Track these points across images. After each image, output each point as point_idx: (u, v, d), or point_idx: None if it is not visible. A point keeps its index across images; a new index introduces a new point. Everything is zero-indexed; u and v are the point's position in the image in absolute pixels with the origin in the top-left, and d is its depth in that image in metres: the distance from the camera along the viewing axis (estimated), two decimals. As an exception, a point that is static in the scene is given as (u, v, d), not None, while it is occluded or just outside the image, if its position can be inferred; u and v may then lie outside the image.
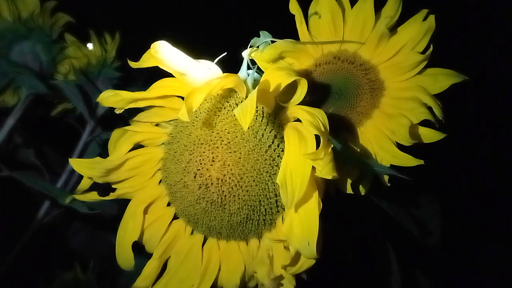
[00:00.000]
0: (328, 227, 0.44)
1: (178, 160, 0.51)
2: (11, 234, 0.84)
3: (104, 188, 0.56)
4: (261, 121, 0.48)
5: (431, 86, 0.58)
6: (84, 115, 0.84)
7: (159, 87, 0.49)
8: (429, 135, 0.58)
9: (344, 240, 0.76)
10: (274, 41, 0.55)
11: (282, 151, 0.47)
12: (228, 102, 0.49)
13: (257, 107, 0.47)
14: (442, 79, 0.58)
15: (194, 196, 0.50)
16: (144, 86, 0.50)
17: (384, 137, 0.60)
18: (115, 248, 0.54)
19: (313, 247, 0.41)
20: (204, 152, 0.48)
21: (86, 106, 0.82)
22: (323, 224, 0.42)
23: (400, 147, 0.58)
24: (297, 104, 0.46)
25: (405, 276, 0.80)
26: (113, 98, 0.50)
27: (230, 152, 0.47)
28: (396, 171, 0.54)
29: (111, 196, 0.55)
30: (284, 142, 0.45)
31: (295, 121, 0.47)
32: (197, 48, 0.51)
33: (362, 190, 0.60)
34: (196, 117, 0.50)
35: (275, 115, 0.48)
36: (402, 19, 0.58)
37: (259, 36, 0.55)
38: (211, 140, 0.48)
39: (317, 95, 0.62)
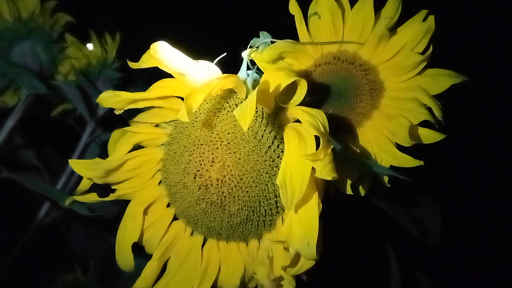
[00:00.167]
0: (328, 227, 0.44)
1: (177, 161, 0.51)
2: (11, 235, 0.84)
3: (104, 189, 0.56)
4: (261, 121, 0.48)
5: (431, 86, 0.58)
6: (84, 115, 0.84)
7: (158, 88, 0.49)
8: (428, 136, 0.58)
9: (344, 240, 0.76)
10: (274, 42, 0.55)
11: (282, 152, 0.47)
12: (227, 103, 0.49)
13: (256, 108, 0.47)
14: (442, 80, 0.58)
15: (193, 197, 0.50)
16: (144, 86, 0.50)
17: (383, 138, 0.60)
18: (115, 249, 0.54)
19: (313, 248, 0.41)
20: (203, 153, 0.48)
21: (86, 106, 0.82)
22: (323, 224, 0.42)
23: (400, 147, 0.58)
24: (297, 105, 0.46)
25: (405, 276, 0.80)
26: (113, 99, 0.50)
27: (230, 153, 0.47)
28: (396, 171, 0.54)
29: (111, 197, 0.55)
30: (283, 143, 0.45)
31: (294, 121, 0.47)
32: (196, 48, 0.51)
33: (361, 191, 0.60)
34: (196, 118, 0.50)
35: (275, 116, 0.48)
36: (401, 20, 0.58)
37: (258, 37, 0.55)
38: (211, 141, 0.48)
39: (317, 95, 0.62)
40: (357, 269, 0.84)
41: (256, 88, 0.41)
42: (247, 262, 0.53)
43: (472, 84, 0.57)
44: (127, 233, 0.54)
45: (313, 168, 0.42)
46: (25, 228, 0.85)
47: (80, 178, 0.55)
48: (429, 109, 0.57)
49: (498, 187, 1.23)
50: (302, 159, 0.42)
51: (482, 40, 1.25)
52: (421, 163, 0.56)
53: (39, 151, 0.91)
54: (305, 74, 0.62)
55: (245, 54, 0.53)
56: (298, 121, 0.46)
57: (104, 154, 0.55)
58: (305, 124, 0.43)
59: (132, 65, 0.47)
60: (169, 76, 0.47)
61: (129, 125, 0.56)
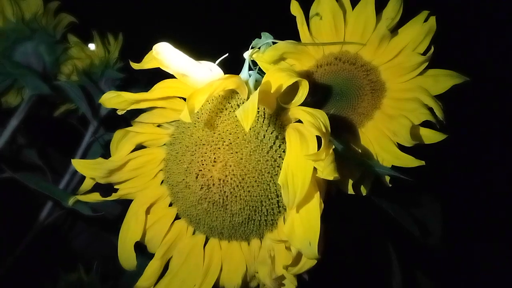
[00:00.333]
0: (329, 227, 0.44)
1: (180, 161, 0.51)
2: (13, 235, 0.84)
3: (107, 188, 0.56)
4: (263, 122, 0.48)
5: (432, 87, 0.58)
6: (87, 115, 0.85)
7: (161, 88, 0.49)
8: (430, 136, 0.58)
9: (345, 240, 0.76)
10: (276, 43, 0.55)
11: (284, 152, 0.47)
12: (229, 103, 0.49)
13: (258, 108, 0.48)
14: (443, 80, 0.58)
15: (196, 197, 0.50)
16: (146, 87, 0.50)
17: (385, 138, 0.60)
18: (117, 249, 0.54)
19: (314, 248, 0.41)
20: (205, 153, 0.48)
21: (89, 107, 0.82)
22: (324, 224, 0.42)
23: (401, 148, 0.58)
24: (299, 105, 0.46)
25: (406, 276, 0.80)
26: (115, 99, 0.50)
27: (232, 153, 0.47)
28: (397, 171, 0.54)
29: (113, 196, 0.55)
30: (285, 143, 0.45)
31: (296, 122, 0.47)
32: (198, 49, 0.51)
33: (363, 191, 0.60)
34: (198, 118, 0.50)
35: (277, 116, 0.49)
36: (403, 21, 0.58)
37: (260, 38, 0.55)
38: (213, 141, 0.48)
39: (318, 96, 0.62)
40: (358, 269, 0.84)
41: (258, 89, 0.41)
42: (249, 261, 0.53)
43: (473, 85, 0.57)
44: (129, 233, 0.54)
45: (315, 168, 0.42)
46: (27, 228, 0.85)
47: (82, 178, 0.56)
48: (431, 110, 0.57)
49: (499, 187, 1.23)
50: (303, 159, 0.42)
51: (483, 40, 1.25)
52: (423, 163, 0.57)
53: (41, 151, 0.91)
54: (306, 75, 0.62)
55: (246, 55, 0.53)
56: (299, 121, 0.46)
57: (106, 154, 0.55)
58: (307, 124, 0.43)
59: (135, 65, 0.47)
60: (171, 76, 0.47)
61: (131, 125, 0.56)
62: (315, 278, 0.49)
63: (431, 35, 0.57)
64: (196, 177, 0.49)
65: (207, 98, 0.44)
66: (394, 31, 0.58)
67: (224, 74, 0.47)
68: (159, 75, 0.48)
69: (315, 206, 0.43)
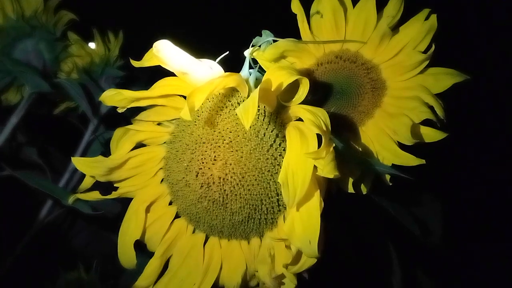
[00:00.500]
0: (329, 226, 0.44)
1: (180, 159, 0.51)
2: (13, 234, 0.84)
3: (107, 187, 0.56)
4: (263, 120, 0.48)
5: (433, 85, 0.58)
6: (87, 113, 0.84)
7: (161, 86, 0.49)
8: (430, 135, 0.58)
9: (345, 239, 0.76)
10: (276, 41, 0.55)
11: (284, 150, 0.47)
12: (230, 101, 0.49)
13: (259, 106, 0.47)
14: (444, 79, 0.58)
15: (195, 195, 0.50)
16: (147, 85, 0.50)
17: (385, 136, 0.60)
18: (117, 247, 0.54)
19: (314, 246, 0.41)
20: (206, 151, 0.48)
21: (89, 104, 0.82)
22: (324, 223, 0.42)
23: (402, 146, 0.58)
24: (299, 103, 0.46)
25: (406, 275, 0.80)
26: (115, 97, 0.50)
27: (232, 151, 0.47)
28: (398, 170, 0.54)
29: (113, 195, 0.55)
30: (285, 141, 0.45)
31: (297, 120, 0.47)
32: (199, 47, 0.51)
33: (363, 189, 0.60)
34: (198, 116, 0.50)
35: (277, 114, 0.48)
36: (404, 19, 0.58)
37: (261, 36, 0.55)
38: (213, 139, 0.48)
39: (319, 94, 0.62)
40: (359, 268, 0.83)
41: (258, 87, 0.41)
42: (248, 260, 0.53)
43: (474, 83, 0.57)
44: (129, 231, 0.54)
45: (315, 166, 0.42)
46: (27, 226, 0.85)
47: (82, 176, 0.56)
48: (431, 108, 0.57)
49: (499, 186, 1.23)
50: (304, 157, 0.42)
51: (484, 39, 1.25)
52: (423, 161, 0.56)
53: (41, 149, 0.91)
54: (307, 73, 0.62)
55: (247, 53, 0.53)
56: (300, 119, 0.46)
57: (106, 152, 0.55)
58: (307, 122, 0.43)
59: (135, 63, 0.47)
60: (172, 74, 0.47)
61: (131, 123, 0.56)
62: (315, 277, 0.49)
63: (432, 33, 0.57)
64: (196, 176, 0.49)
65: (208, 96, 0.44)
66: (395, 29, 0.58)
67: (225, 72, 0.47)
68: (160, 73, 0.48)
69: (315, 204, 0.43)
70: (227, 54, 0.51)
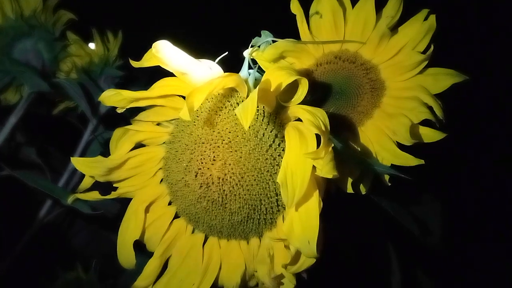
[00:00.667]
0: (328, 226, 0.44)
1: (179, 159, 0.51)
2: (12, 233, 0.84)
3: (106, 187, 0.56)
4: (262, 120, 0.48)
5: (432, 85, 0.58)
6: (86, 113, 0.84)
7: (160, 87, 0.49)
8: (429, 135, 0.58)
9: (344, 239, 0.76)
10: (275, 41, 0.55)
11: (283, 150, 0.47)
12: (229, 102, 0.49)
13: (258, 107, 0.47)
14: (443, 79, 0.58)
15: (195, 195, 0.50)
16: (146, 85, 0.50)
17: (384, 137, 0.60)
18: (116, 247, 0.54)
19: (313, 246, 0.41)
20: (205, 151, 0.48)
21: (88, 104, 0.82)
22: (323, 223, 0.42)
23: (401, 146, 0.58)
24: (298, 104, 0.46)
25: (406, 275, 0.80)
26: (114, 97, 0.50)
27: (231, 151, 0.47)
28: (397, 170, 0.54)
29: (113, 195, 0.55)
30: (284, 141, 0.45)
31: (296, 120, 0.47)
32: (198, 47, 0.51)
33: (362, 190, 0.60)
34: (197, 117, 0.50)
35: (276, 115, 0.48)
36: (403, 19, 0.58)
37: (260, 36, 0.55)
38: (212, 139, 0.48)
39: (318, 94, 0.62)
40: (358, 268, 0.84)
41: (257, 87, 0.41)
42: (248, 260, 0.53)
43: (473, 83, 0.57)
44: (128, 231, 0.54)
45: (314, 167, 0.42)
46: (26, 226, 0.85)
47: (82, 176, 0.56)
48: (430, 108, 0.57)
49: (498, 186, 1.23)
50: (303, 157, 0.42)
51: (483, 39, 1.25)
52: (422, 162, 0.56)
53: (41, 149, 0.91)
54: (306, 73, 0.62)
55: (246, 53, 0.53)
56: (299, 119, 0.46)
57: (106, 152, 0.55)
58: (306, 122, 0.43)
59: (134, 63, 0.47)
60: (171, 74, 0.47)
61: (131, 124, 0.56)
62: (314, 277, 0.49)
63: (431, 33, 0.57)
64: (195, 176, 0.49)
65: (207, 97, 0.44)
66: (394, 29, 0.58)
67: (224, 72, 0.47)
68: (159, 73, 0.48)
69: (314, 204, 0.43)
70: (226, 55, 0.51)
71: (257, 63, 0.55)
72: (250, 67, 0.52)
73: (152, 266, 0.54)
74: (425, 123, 0.58)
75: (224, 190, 0.48)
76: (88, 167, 0.54)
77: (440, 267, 0.98)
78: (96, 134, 0.88)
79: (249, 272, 0.53)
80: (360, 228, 0.79)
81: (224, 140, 0.47)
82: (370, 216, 0.77)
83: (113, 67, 0.91)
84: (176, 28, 0.73)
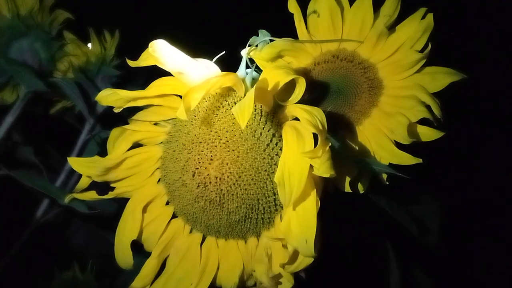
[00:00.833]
0: (326, 225, 0.44)
1: (176, 159, 0.51)
2: (9, 233, 0.84)
3: (103, 187, 0.56)
4: (260, 119, 0.48)
5: (430, 84, 0.58)
6: (83, 113, 0.84)
7: (157, 86, 0.49)
8: (427, 134, 0.58)
9: (342, 238, 0.76)
10: (273, 40, 0.55)
11: (280, 149, 0.47)
12: (226, 101, 0.49)
13: (255, 106, 0.47)
14: (441, 78, 0.58)
15: (192, 195, 0.50)
16: (143, 84, 0.50)
17: (382, 136, 0.60)
18: (114, 247, 0.54)
19: (311, 245, 0.41)
20: (202, 151, 0.48)
21: (85, 104, 0.82)
22: (321, 222, 0.42)
23: (399, 145, 0.58)
24: (296, 103, 0.46)
25: (404, 274, 0.80)
26: (111, 97, 0.50)
27: (229, 151, 0.47)
28: (395, 169, 0.54)
29: (110, 195, 0.55)
30: (282, 141, 0.45)
31: (293, 119, 0.47)
32: (195, 46, 0.51)
33: (360, 189, 0.60)
34: (195, 116, 0.50)
35: (274, 114, 0.48)
36: (400, 18, 0.58)
37: (257, 35, 0.55)
38: (210, 139, 0.48)
39: (316, 93, 0.62)
40: (356, 267, 0.84)
41: (255, 86, 0.41)
42: (246, 259, 0.53)
43: (471, 82, 0.57)
44: (126, 231, 0.54)
45: (311, 166, 0.42)
46: (23, 226, 0.85)
47: (79, 176, 0.55)
48: (428, 107, 0.56)
49: (497, 185, 1.23)
50: (300, 156, 0.42)
51: (481, 38, 1.25)
52: (420, 160, 0.56)
53: (37, 148, 0.91)
54: (304, 72, 0.62)
55: (244, 52, 0.53)
56: (296, 119, 0.46)
57: (103, 152, 0.55)
58: (304, 121, 0.43)
59: (131, 63, 0.47)
60: (168, 74, 0.47)
61: (128, 123, 0.56)
62: (312, 276, 0.49)
63: (428, 32, 0.57)
64: (193, 175, 0.49)
65: (204, 96, 0.44)
66: (391, 28, 0.58)
67: (221, 71, 0.47)
68: (156, 72, 0.48)
69: (311, 204, 0.43)
70: (223, 54, 0.50)
71: (254, 62, 0.55)
72: (247, 66, 0.52)
73: (149, 266, 0.54)
74: (423, 122, 0.58)
75: (221, 190, 0.47)
76: (85, 167, 0.54)
77: (438, 266, 0.98)
78: (93, 134, 0.88)
79: (247, 271, 0.53)
80: (358, 227, 0.79)
81: (221, 139, 0.47)
82: (368, 215, 0.77)
83: (110, 66, 0.90)
84: (173, 28, 0.72)
